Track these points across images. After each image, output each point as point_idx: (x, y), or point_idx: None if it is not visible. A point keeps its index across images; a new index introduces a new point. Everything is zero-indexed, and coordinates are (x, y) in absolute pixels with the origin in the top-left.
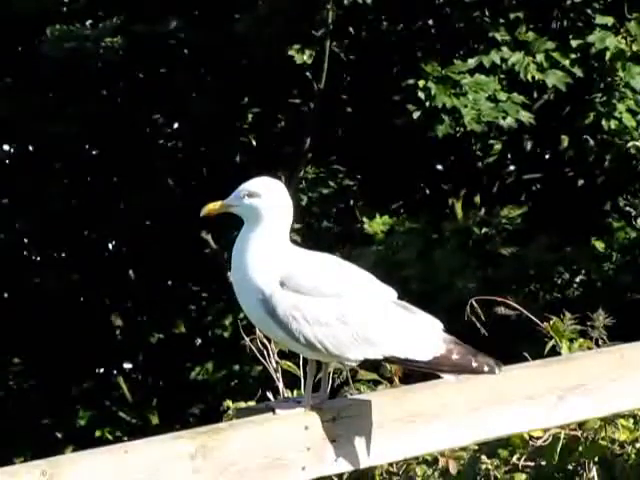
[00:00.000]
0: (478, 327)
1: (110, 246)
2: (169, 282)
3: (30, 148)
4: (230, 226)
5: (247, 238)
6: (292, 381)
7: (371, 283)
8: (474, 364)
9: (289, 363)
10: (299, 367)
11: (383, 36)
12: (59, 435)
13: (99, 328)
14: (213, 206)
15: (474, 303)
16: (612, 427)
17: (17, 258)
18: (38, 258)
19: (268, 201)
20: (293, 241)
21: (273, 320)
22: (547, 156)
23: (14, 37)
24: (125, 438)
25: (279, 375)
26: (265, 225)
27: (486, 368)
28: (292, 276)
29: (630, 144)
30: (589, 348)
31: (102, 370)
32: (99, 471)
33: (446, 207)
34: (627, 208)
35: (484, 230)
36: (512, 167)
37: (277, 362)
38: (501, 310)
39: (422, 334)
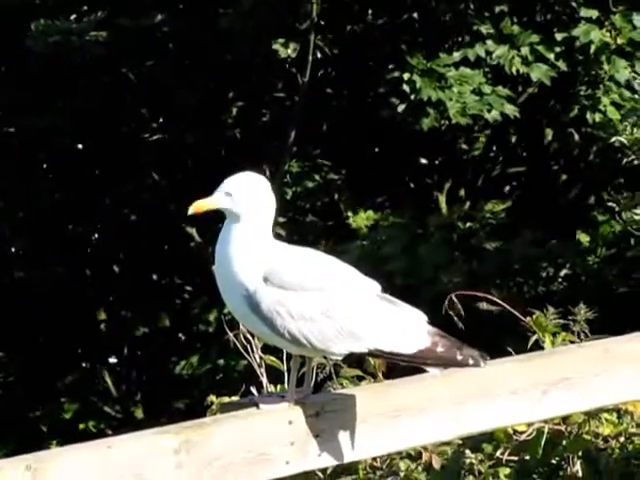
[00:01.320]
0: (457, 322)
1: (94, 240)
2: (154, 276)
3: (15, 142)
4: (215, 219)
5: (230, 234)
6: (276, 376)
7: (355, 277)
8: (459, 357)
9: (273, 358)
10: (283, 362)
11: (368, 29)
12: (44, 428)
13: (83, 322)
14: (199, 206)
15: (454, 298)
16: (596, 421)
17: (1, 252)
18: (21, 252)
19: (250, 197)
20: (277, 235)
21: (257, 316)
22: (532, 150)
23: None
24: (109, 432)
25: (263, 370)
26: (247, 221)
27: (471, 361)
28: (275, 271)
29: (614, 139)
30: (572, 342)
31: (86, 364)
32: (83, 466)
33: (431, 201)
34: (610, 204)
35: (468, 224)
36: (497, 161)
37: (261, 357)
38: (483, 306)
39: (407, 327)
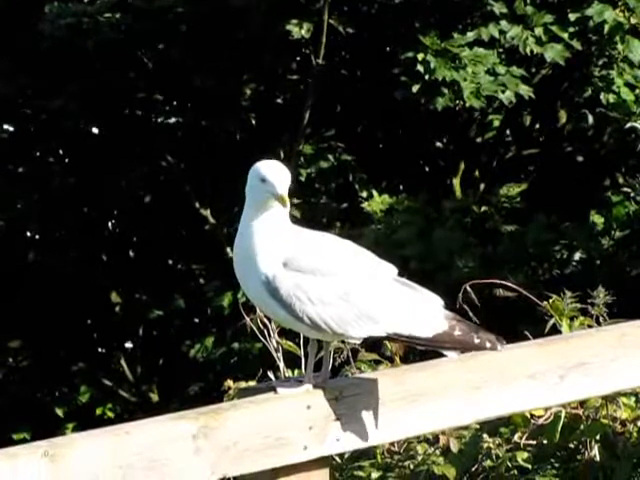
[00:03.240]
0: (476, 308)
1: (109, 224)
2: (168, 258)
3: (29, 126)
4: (229, 202)
5: (248, 220)
6: (292, 360)
7: (372, 260)
8: (476, 340)
9: (290, 343)
10: (299, 346)
11: (381, 9)
12: (59, 412)
13: (98, 305)
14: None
15: (468, 288)
16: (613, 405)
17: (16, 236)
18: (37, 236)
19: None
20: (292, 217)
21: (276, 301)
22: (546, 131)
23: (12, 15)
24: (126, 416)
25: (280, 354)
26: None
27: (488, 344)
28: (294, 256)
29: (628, 125)
30: (589, 326)
31: (101, 347)
32: (101, 452)
33: (445, 185)
34: (625, 189)
35: (483, 208)
36: (511, 143)
37: (278, 341)
38: (500, 292)
39: (424, 311)
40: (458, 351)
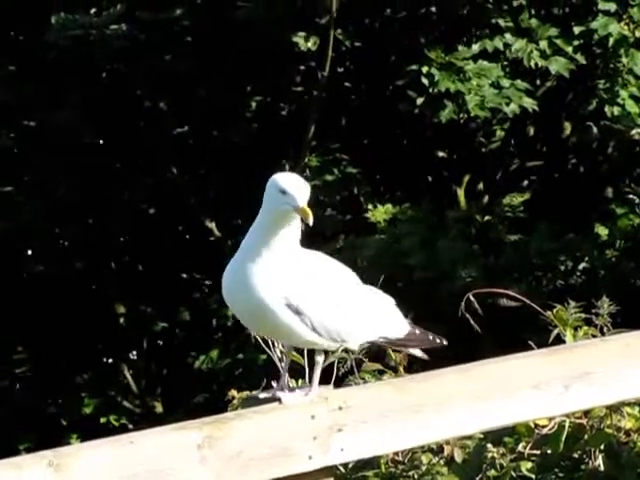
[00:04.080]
0: (474, 322)
1: (113, 234)
2: (173, 270)
3: (33, 136)
4: (233, 214)
5: (259, 232)
6: (297, 370)
7: (347, 270)
8: (430, 337)
9: (294, 353)
10: (304, 357)
11: (386, 23)
12: (64, 422)
13: (102, 316)
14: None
15: (471, 297)
16: (618, 415)
17: (21, 246)
18: (42, 247)
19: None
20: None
21: (297, 319)
22: (550, 143)
23: (18, 25)
24: (130, 426)
25: (284, 364)
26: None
27: (438, 340)
28: (299, 273)
29: (634, 131)
30: (593, 336)
31: (106, 358)
32: (106, 461)
33: (449, 195)
34: (630, 196)
35: (487, 218)
36: (515, 154)
37: (282, 352)
38: (504, 302)
39: (395, 313)
40: (419, 347)
